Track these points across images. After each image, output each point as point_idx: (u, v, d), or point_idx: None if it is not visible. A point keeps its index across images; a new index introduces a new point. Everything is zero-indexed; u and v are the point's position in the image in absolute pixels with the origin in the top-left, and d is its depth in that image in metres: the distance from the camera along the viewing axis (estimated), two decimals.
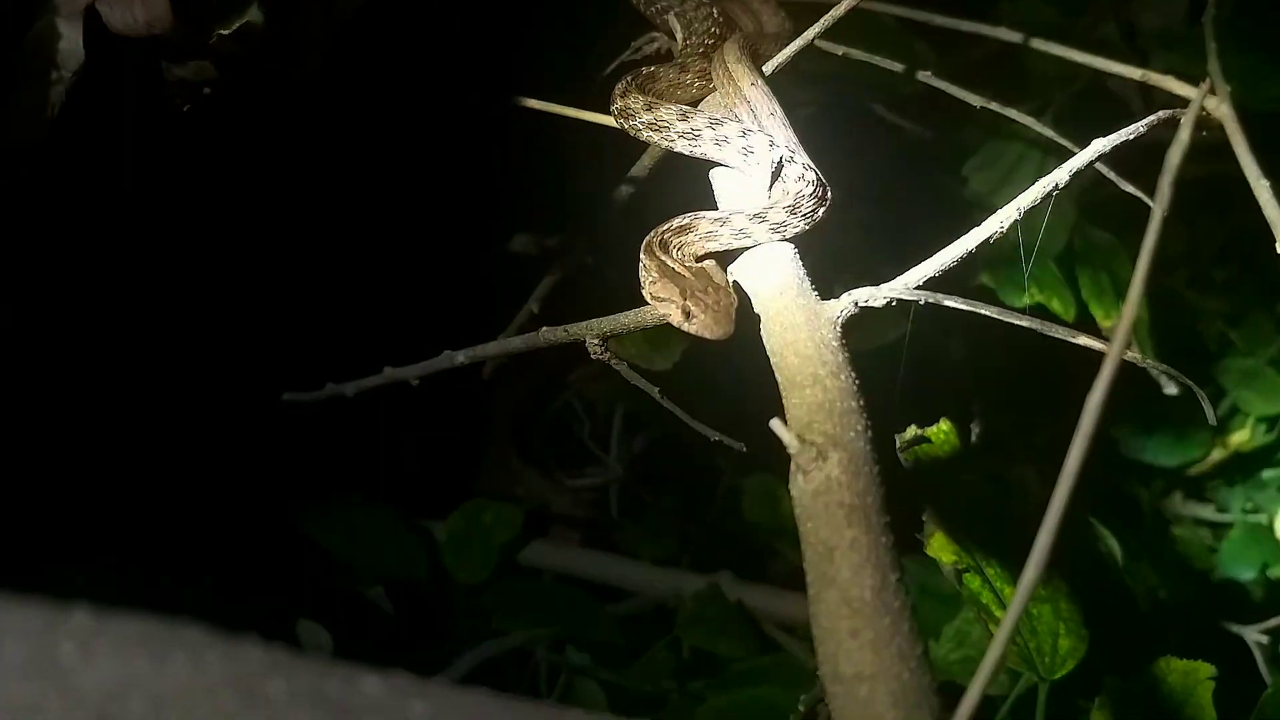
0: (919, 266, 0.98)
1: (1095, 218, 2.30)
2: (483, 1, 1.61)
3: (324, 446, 2.12)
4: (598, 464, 2.58)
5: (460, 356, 1.51)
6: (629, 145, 1.35)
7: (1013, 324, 1.09)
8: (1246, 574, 2.68)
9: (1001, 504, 1.57)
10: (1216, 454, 2.82)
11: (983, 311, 0.96)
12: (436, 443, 2.37)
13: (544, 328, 1.32)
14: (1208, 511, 2.91)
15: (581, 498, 2.54)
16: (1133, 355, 2.15)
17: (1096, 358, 2.03)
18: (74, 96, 1.36)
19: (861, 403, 0.88)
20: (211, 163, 1.64)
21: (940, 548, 1.46)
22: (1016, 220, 1.06)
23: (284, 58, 1.33)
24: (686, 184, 1.31)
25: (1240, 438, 2.77)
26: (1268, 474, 2.81)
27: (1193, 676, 1.42)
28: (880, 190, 1.84)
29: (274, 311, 1.96)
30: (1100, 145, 1.16)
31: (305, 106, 1.53)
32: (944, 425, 1.59)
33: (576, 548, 2.44)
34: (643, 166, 1.44)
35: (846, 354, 0.93)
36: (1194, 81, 2.23)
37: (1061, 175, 1.10)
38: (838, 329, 0.94)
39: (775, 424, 0.85)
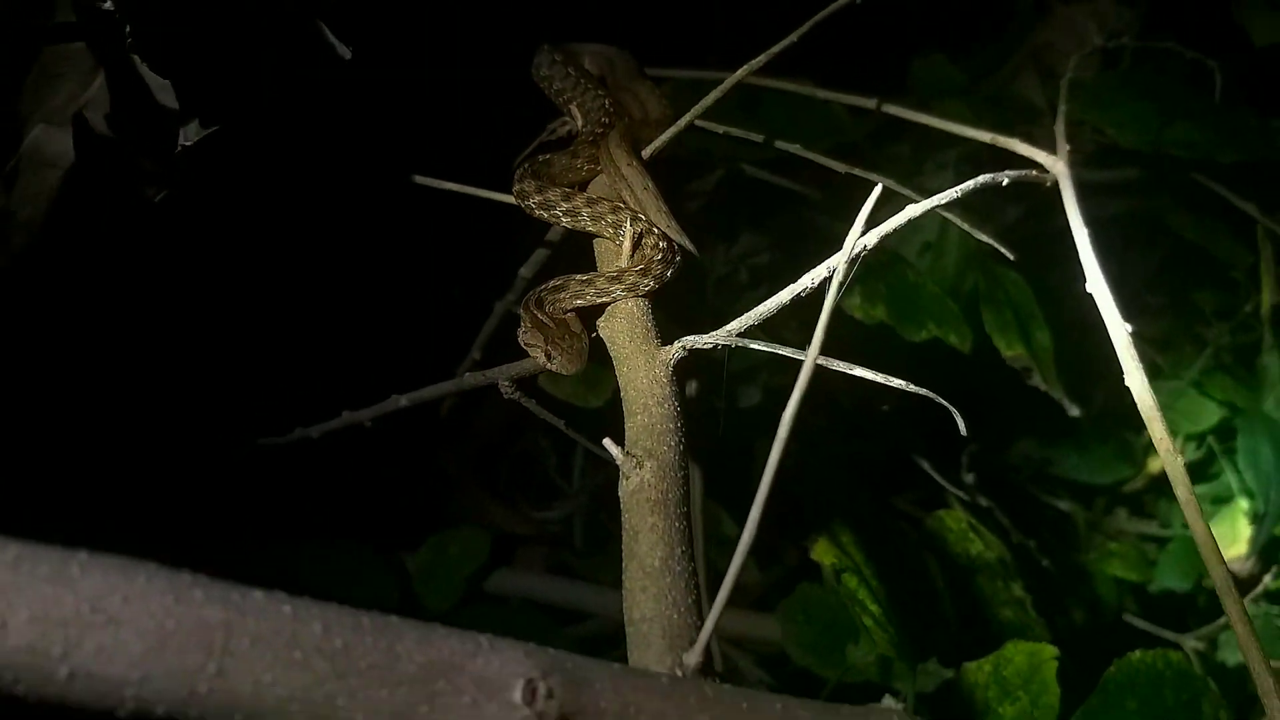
0: (740, 318, 1.28)
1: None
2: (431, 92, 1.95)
3: (298, 487, 2.44)
4: (563, 495, 2.89)
5: (404, 400, 1.83)
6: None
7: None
8: (1183, 585, 2.92)
9: (877, 515, 1.86)
10: (1153, 469, 3.09)
11: (781, 353, 1.25)
12: (406, 478, 2.68)
13: (467, 373, 1.64)
14: (1151, 527, 3.17)
15: (546, 528, 2.84)
16: (1037, 381, 2.46)
17: (1010, 385, 2.31)
18: (66, 187, 1.70)
19: (679, 424, 1.19)
20: (179, 240, 1.97)
21: (822, 551, 1.76)
22: (827, 277, 1.35)
23: (242, 153, 1.65)
24: (588, 248, 1.62)
25: None
26: (1200, 489, 3.06)
27: (1037, 656, 1.70)
28: (780, 240, 2.16)
29: (240, 363, 2.29)
30: (912, 209, 1.44)
31: (256, 193, 1.86)
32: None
33: (540, 574, 2.74)
34: (555, 234, 1.77)
35: (675, 387, 1.24)
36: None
37: (871, 238, 1.38)
38: (669, 368, 1.25)
39: (606, 442, 1.16)
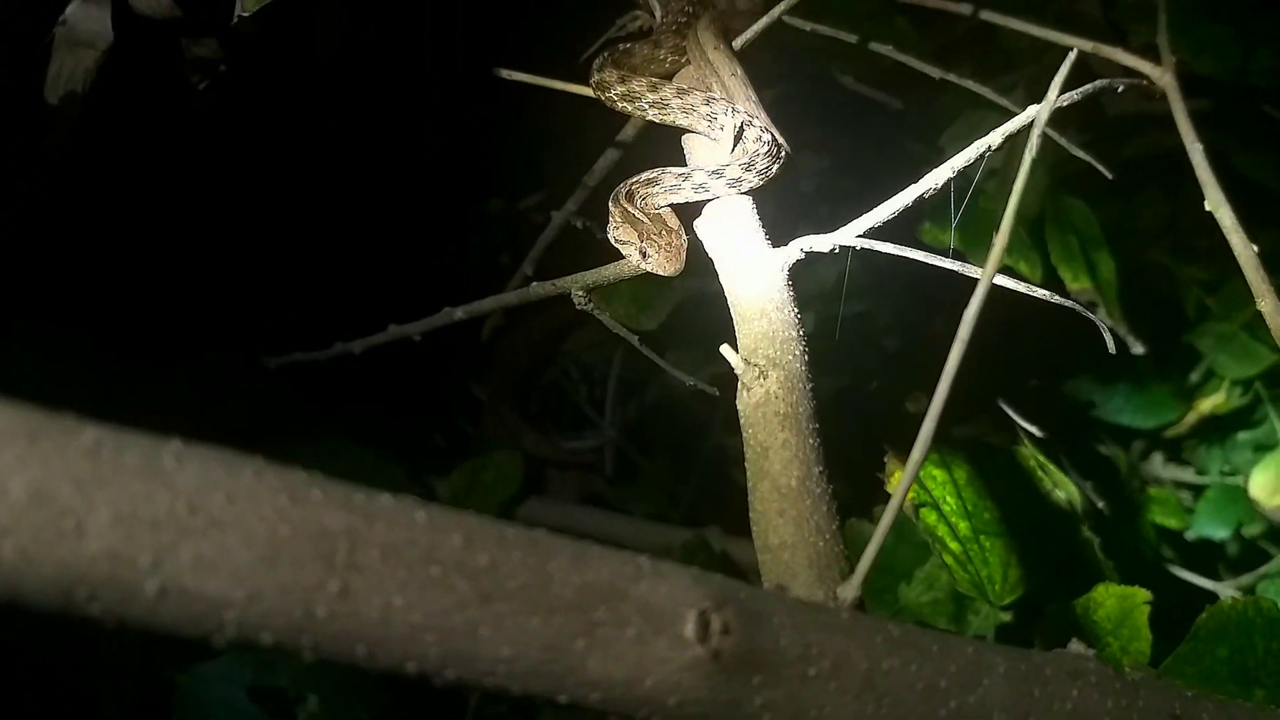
0: (862, 218, 1.14)
1: (1072, 186, 2.45)
2: None
3: (334, 405, 2.30)
4: (593, 427, 2.75)
5: (459, 312, 1.67)
6: (614, 116, 1.51)
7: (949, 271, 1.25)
8: (1221, 533, 2.82)
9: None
10: (1192, 417, 2.97)
11: (909, 254, 1.11)
12: (440, 403, 2.54)
13: (534, 282, 1.48)
14: (1187, 474, 3.05)
15: (577, 459, 2.71)
16: (1090, 314, 2.32)
17: (1072, 322, 2.20)
18: (103, 72, 1.53)
19: (800, 332, 1.04)
20: (224, 135, 1.80)
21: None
22: (951, 178, 1.20)
23: (300, 37, 1.47)
24: (666, 153, 1.46)
25: (1215, 401, 2.91)
26: (1242, 436, 2.94)
27: (1129, 601, 1.57)
28: (848, 156, 2.00)
29: (281, 271, 2.12)
30: (1034, 110, 1.29)
31: (316, 83, 1.69)
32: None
33: (572, 505, 2.61)
34: (627, 134, 1.60)
35: (791, 292, 1.09)
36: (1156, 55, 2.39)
37: (995, 138, 1.23)
38: (784, 271, 1.10)
39: (725, 349, 1.01)
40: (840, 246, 1.11)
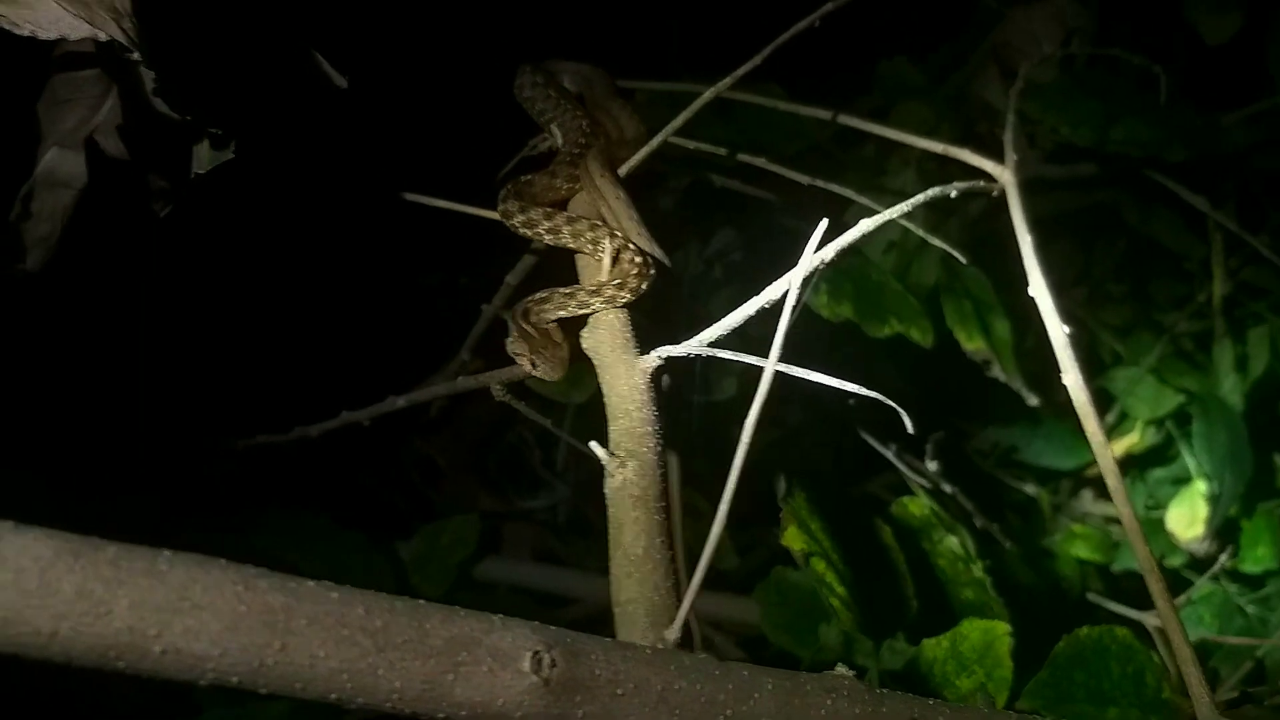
0: (711, 328, 1.46)
1: (977, 250, 2.78)
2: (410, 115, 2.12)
3: (297, 481, 2.62)
4: (548, 486, 3.07)
5: (401, 400, 2.01)
6: None
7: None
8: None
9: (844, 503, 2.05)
10: (1115, 454, 3.29)
11: (747, 360, 1.42)
12: (399, 470, 2.87)
13: (460, 377, 1.82)
14: (1114, 510, 3.37)
15: (532, 515, 3.03)
16: (997, 373, 2.65)
17: (976, 373, 2.49)
18: (80, 206, 1.86)
19: (657, 427, 1.36)
20: (183, 251, 2.13)
21: (792, 537, 1.94)
22: (787, 290, 1.51)
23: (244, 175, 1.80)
24: (569, 259, 1.80)
25: (1131, 440, 3.24)
26: (1159, 472, 3.26)
27: (991, 633, 1.89)
28: (738, 249, 2.35)
29: (240, 364, 2.46)
30: (867, 223, 1.61)
31: (254, 209, 2.03)
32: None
33: (527, 561, 2.92)
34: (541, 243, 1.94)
35: (653, 393, 1.41)
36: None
37: (829, 252, 1.55)
38: (647, 375, 1.43)
39: (593, 444, 1.33)
40: (692, 354, 1.44)
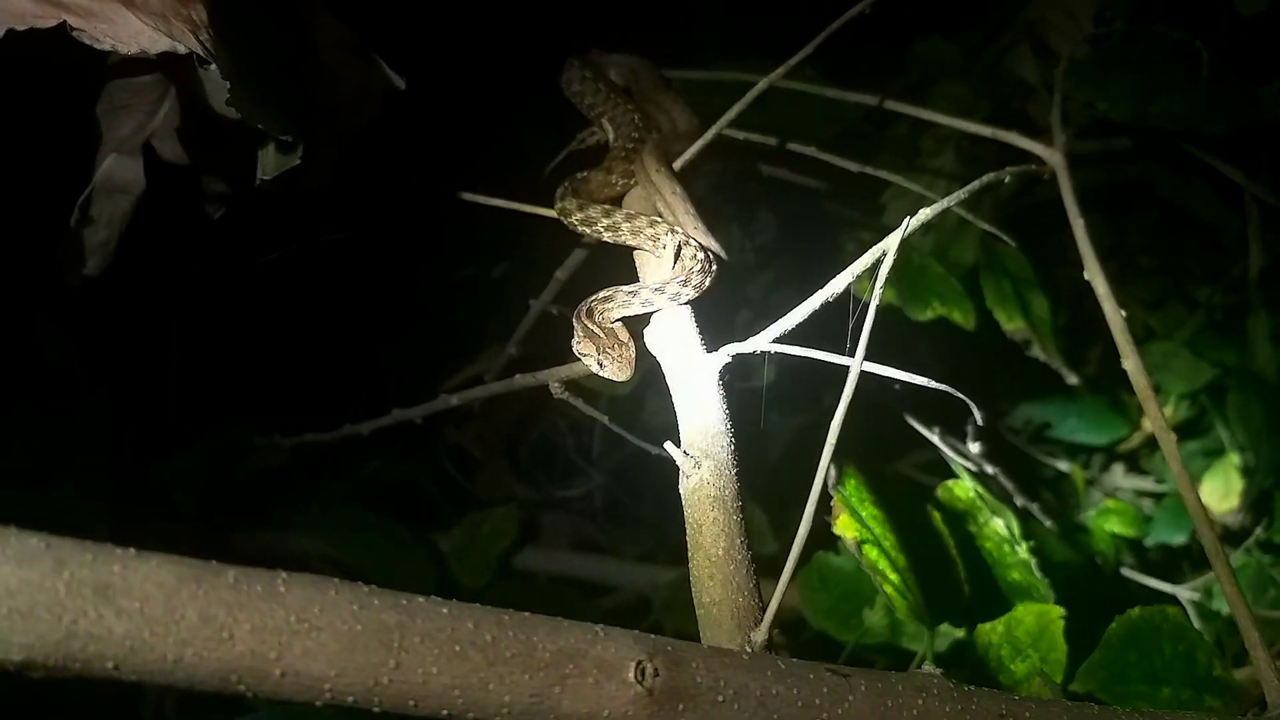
0: (774, 325, 1.47)
1: (1012, 227, 2.78)
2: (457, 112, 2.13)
3: (342, 475, 2.65)
4: (583, 475, 3.09)
5: (454, 399, 2.02)
6: None
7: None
8: (1178, 539, 3.15)
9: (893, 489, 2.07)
10: (1148, 428, 3.30)
11: (814, 355, 1.44)
12: (438, 463, 2.89)
13: (518, 375, 1.83)
14: (1148, 483, 3.40)
15: (569, 506, 3.05)
16: (1036, 352, 2.65)
17: (1013, 351, 2.50)
18: (139, 209, 1.87)
19: (729, 426, 1.38)
20: (237, 251, 2.15)
21: (844, 525, 1.96)
22: (851, 283, 1.52)
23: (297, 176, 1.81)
24: (621, 254, 1.81)
25: (1165, 413, 3.25)
26: (1192, 445, 3.28)
27: (1045, 617, 1.91)
28: (786, 238, 2.36)
29: (287, 357, 2.49)
30: (924, 214, 1.62)
31: (309, 205, 2.05)
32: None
33: (566, 551, 2.95)
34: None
35: (722, 391, 1.43)
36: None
37: (890, 242, 1.56)
38: (717, 374, 1.44)
39: (668, 445, 1.35)
40: (760, 351, 1.45)
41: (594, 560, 2.89)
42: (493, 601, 2.25)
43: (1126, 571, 3.00)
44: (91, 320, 2.09)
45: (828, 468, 1.15)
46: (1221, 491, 3.14)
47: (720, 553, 1.23)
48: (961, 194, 1.71)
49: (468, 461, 3.02)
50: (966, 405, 2.72)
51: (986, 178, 1.80)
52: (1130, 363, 1.73)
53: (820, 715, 1.02)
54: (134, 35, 1.25)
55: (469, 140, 2.14)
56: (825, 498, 2.04)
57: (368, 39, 1.67)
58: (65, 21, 1.26)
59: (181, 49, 1.26)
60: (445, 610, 0.93)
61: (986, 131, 2.07)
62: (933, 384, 1.39)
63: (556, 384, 1.71)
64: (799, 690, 1.03)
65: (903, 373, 1.36)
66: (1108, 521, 3.14)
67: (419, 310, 2.52)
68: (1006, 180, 1.85)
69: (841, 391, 1.29)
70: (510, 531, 2.74)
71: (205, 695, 0.87)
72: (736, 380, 2.48)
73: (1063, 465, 3.30)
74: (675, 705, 0.98)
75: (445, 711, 0.92)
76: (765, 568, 2.80)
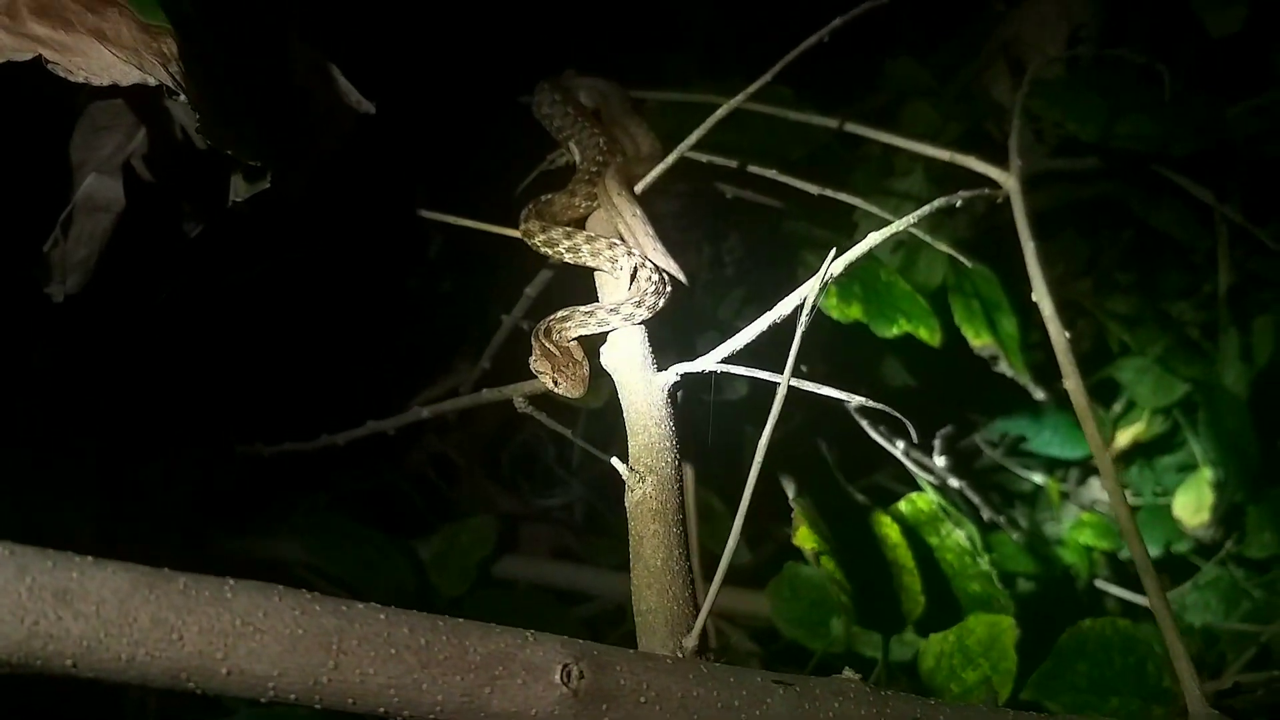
0: (722, 346, 1.54)
1: (984, 245, 2.85)
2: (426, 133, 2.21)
3: (321, 485, 2.74)
4: (563, 484, 3.17)
5: (425, 411, 2.10)
6: None
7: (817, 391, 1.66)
8: (1152, 551, 3.21)
9: (853, 503, 2.15)
10: (1122, 443, 3.37)
11: (761, 376, 1.51)
12: (418, 472, 2.97)
13: (484, 389, 1.91)
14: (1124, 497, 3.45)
15: (549, 516, 3.13)
16: (1004, 368, 2.73)
17: (985, 367, 2.56)
18: (119, 226, 1.96)
19: (674, 442, 1.46)
20: (214, 267, 2.24)
21: (804, 538, 2.03)
22: (799, 304, 1.60)
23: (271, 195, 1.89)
24: (585, 274, 1.89)
25: (1138, 428, 3.32)
26: (1166, 459, 3.35)
27: (996, 627, 1.98)
28: (751, 257, 2.44)
29: (263, 370, 2.57)
30: (873, 238, 1.69)
31: (286, 219, 2.13)
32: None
33: (545, 560, 3.03)
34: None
35: (670, 409, 1.51)
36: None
37: (837, 267, 1.63)
38: (664, 392, 1.52)
39: (614, 460, 1.43)
40: (707, 370, 1.53)
41: (572, 569, 2.97)
42: (471, 609, 2.32)
43: (1101, 584, 3.06)
44: (76, 333, 2.17)
45: (754, 481, 1.22)
46: (1194, 506, 3.19)
47: (659, 564, 1.31)
48: (912, 219, 1.78)
49: (450, 470, 3.10)
50: (935, 420, 2.79)
51: (938, 202, 1.87)
52: (1071, 383, 1.80)
53: (739, 717, 1.10)
54: (106, 68, 1.33)
55: (440, 162, 2.23)
56: (784, 509, 2.12)
57: (338, 63, 1.75)
58: (40, 55, 1.34)
59: (152, 81, 1.34)
60: (382, 616, 1.01)
61: (944, 155, 2.14)
62: (868, 402, 1.46)
63: (521, 399, 1.79)
64: (719, 693, 1.10)
65: (835, 390, 1.44)
66: (1082, 534, 3.20)
67: (394, 326, 2.60)
68: (958, 204, 1.92)
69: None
70: (489, 540, 2.82)
71: (159, 692, 0.95)
72: (711, 394, 2.57)
73: (1038, 478, 3.36)
74: (599, 706, 1.05)
75: (382, 709, 1.00)
76: (738, 577, 2.89)
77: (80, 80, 1.35)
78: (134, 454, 2.52)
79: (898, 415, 1.49)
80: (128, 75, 1.36)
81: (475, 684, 1.01)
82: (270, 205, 1.92)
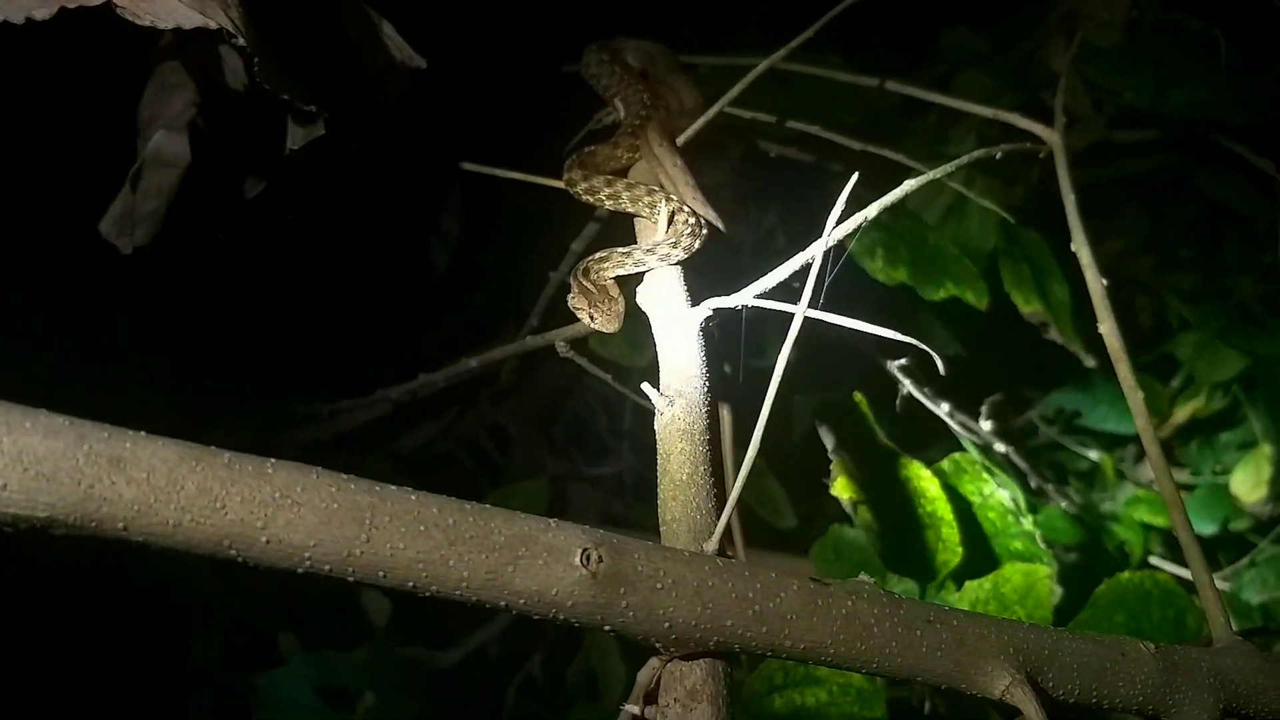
0: (757, 282, 1.60)
1: (1033, 216, 2.87)
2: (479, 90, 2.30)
3: (381, 447, 2.84)
4: (614, 453, 3.25)
5: (473, 362, 2.19)
6: None
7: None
8: (1209, 529, 3.20)
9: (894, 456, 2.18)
10: (1179, 418, 3.35)
11: (786, 308, 1.56)
12: (473, 437, 3.07)
13: (528, 336, 1.99)
14: (1182, 475, 3.43)
15: (599, 483, 3.20)
16: (1054, 335, 2.74)
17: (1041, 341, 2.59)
18: (184, 181, 2.07)
19: (703, 370, 1.52)
20: (274, 223, 2.34)
21: (842, 487, 2.08)
22: (829, 248, 1.64)
23: (333, 149, 1.99)
24: (628, 225, 1.96)
25: (1197, 404, 3.30)
26: (1225, 436, 3.32)
27: (1032, 575, 2.01)
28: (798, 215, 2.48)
29: (323, 326, 2.68)
30: (909, 185, 1.74)
31: (346, 176, 2.23)
32: (858, 398, 2.24)
33: (593, 524, 3.09)
34: (603, 211, 2.10)
35: (701, 341, 1.56)
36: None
37: (871, 211, 1.68)
38: (697, 325, 1.58)
39: (645, 385, 1.49)
40: (741, 306, 1.59)
41: (619, 534, 3.03)
42: None
43: (1155, 560, 3.04)
44: (140, 291, 2.29)
45: (773, 397, 1.28)
46: (1252, 482, 3.17)
47: (684, 477, 1.37)
48: (949, 167, 1.82)
49: (503, 438, 3.18)
50: (983, 387, 2.80)
51: (977, 153, 1.90)
52: (1106, 326, 1.82)
53: (754, 606, 1.15)
54: (170, 12, 1.43)
55: (489, 122, 2.31)
56: (823, 458, 2.17)
57: (390, 19, 1.84)
58: (110, 1, 1.44)
59: (213, 25, 1.44)
60: (413, 496, 1.08)
61: (987, 112, 2.17)
62: (891, 334, 1.50)
63: (562, 343, 1.86)
64: (734, 584, 1.16)
65: (859, 322, 1.48)
66: (1136, 510, 3.19)
67: (447, 288, 2.70)
68: (998, 156, 1.95)
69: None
70: (540, 504, 2.89)
71: (202, 558, 1.03)
72: (753, 359, 2.62)
73: (1094, 455, 3.36)
74: (617, 589, 1.12)
75: (410, 583, 1.07)
76: (784, 544, 2.93)
77: (146, 24, 1.45)
78: (202, 415, 2.64)
79: (924, 347, 1.53)
80: (190, 19, 1.46)
81: (499, 562, 1.08)
82: (328, 161, 2.03)
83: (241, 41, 1.48)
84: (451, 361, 2.27)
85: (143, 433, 1.02)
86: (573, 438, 3.26)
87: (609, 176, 1.84)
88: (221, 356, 2.65)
